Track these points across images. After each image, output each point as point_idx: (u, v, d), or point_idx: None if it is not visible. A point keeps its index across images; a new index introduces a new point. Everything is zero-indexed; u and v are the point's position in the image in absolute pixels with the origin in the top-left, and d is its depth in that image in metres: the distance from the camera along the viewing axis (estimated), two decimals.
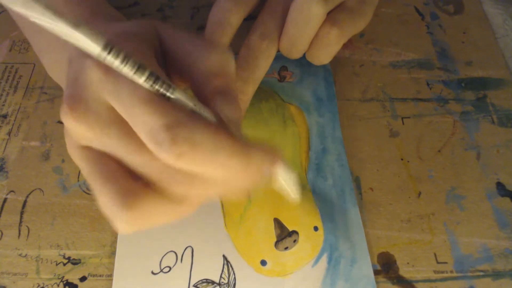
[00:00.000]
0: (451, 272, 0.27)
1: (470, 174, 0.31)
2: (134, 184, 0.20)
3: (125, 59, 0.17)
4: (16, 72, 0.36)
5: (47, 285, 0.27)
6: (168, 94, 0.19)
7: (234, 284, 0.27)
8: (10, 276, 0.27)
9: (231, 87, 0.21)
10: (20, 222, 0.29)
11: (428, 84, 0.35)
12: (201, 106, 0.19)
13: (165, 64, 0.23)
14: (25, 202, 0.30)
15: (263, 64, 0.28)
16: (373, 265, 0.27)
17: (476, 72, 0.36)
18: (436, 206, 0.29)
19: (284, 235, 0.28)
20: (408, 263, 0.27)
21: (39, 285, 0.27)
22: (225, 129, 0.19)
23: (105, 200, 0.20)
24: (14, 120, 0.34)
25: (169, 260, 0.27)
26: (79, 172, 0.31)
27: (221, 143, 0.18)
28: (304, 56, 0.30)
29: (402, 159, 0.31)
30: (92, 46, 0.16)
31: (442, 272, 0.27)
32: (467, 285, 0.27)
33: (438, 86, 0.35)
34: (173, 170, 0.19)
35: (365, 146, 0.32)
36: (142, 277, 0.27)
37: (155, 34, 0.23)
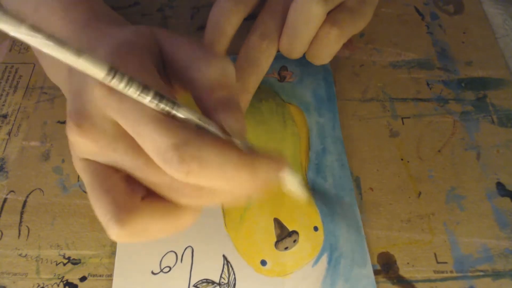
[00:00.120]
0: (451, 272, 0.27)
1: (470, 174, 0.31)
2: (131, 199, 0.20)
3: (129, 82, 0.17)
4: (16, 72, 0.36)
5: (47, 285, 0.27)
6: (173, 111, 0.19)
7: (234, 284, 0.27)
8: (10, 276, 0.27)
9: (233, 97, 0.21)
10: (20, 222, 0.29)
11: (428, 84, 0.35)
12: (206, 120, 0.20)
13: (165, 71, 0.23)
14: (25, 202, 0.30)
15: (263, 64, 0.29)
16: (373, 265, 0.27)
17: (476, 72, 0.36)
18: (436, 206, 0.29)
19: (284, 235, 0.28)
20: (408, 263, 0.27)
21: (39, 285, 0.27)
22: (231, 142, 0.19)
23: (100, 212, 0.20)
24: (14, 120, 0.34)
25: (169, 260, 0.27)
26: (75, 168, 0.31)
27: (228, 158, 0.18)
28: (304, 56, 0.30)
29: (402, 159, 0.31)
30: (96, 72, 0.17)
31: (442, 272, 0.27)
32: (467, 285, 0.27)
33: (438, 86, 0.35)
34: (181, 183, 0.19)
35: (365, 146, 0.32)
36: (142, 277, 0.27)
37: (155, 42, 0.23)
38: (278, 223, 0.29)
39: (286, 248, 0.28)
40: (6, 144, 0.32)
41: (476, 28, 0.38)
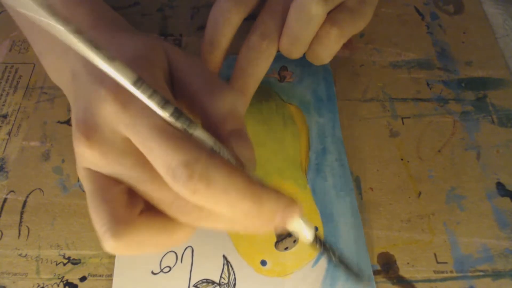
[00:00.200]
0: (451, 272, 0.27)
1: (470, 174, 0.31)
2: (129, 212, 0.20)
3: (153, 95, 0.18)
4: (16, 72, 0.36)
5: (47, 285, 0.27)
6: (190, 131, 0.19)
7: (234, 284, 0.27)
8: (10, 276, 0.27)
9: (243, 128, 0.21)
10: (20, 222, 0.29)
11: (428, 84, 0.35)
12: (220, 145, 0.20)
13: (172, 89, 0.23)
14: (25, 202, 0.30)
15: (263, 64, 0.29)
16: (373, 265, 0.27)
17: (476, 72, 0.36)
18: (436, 206, 0.29)
19: (284, 235, 0.28)
20: (408, 263, 0.27)
21: (39, 285, 0.27)
22: (242, 170, 0.19)
23: (97, 223, 0.20)
24: (14, 120, 0.34)
25: (169, 260, 0.27)
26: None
27: (235, 183, 0.18)
28: (304, 56, 0.30)
29: (402, 159, 0.31)
30: (123, 80, 0.17)
31: (442, 272, 0.27)
32: (467, 285, 0.27)
33: (438, 86, 0.35)
34: (184, 201, 0.19)
35: (365, 146, 0.32)
36: (142, 277, 0.27)
37: (165, 58, 0.23)
38: None
39: (286, 248, 0.28)
40: (6, 144, 0.32)
41: (476, 28, 0.38)
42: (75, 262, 0.28)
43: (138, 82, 0.18)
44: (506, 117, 0.33)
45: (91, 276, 0.27)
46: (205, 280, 0.27)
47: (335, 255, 0.23)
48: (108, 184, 0.21)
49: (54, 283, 0.27)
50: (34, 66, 0.37)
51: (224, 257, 0.27)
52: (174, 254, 0.28)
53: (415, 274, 0.27)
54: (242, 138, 0.21)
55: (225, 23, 0.28)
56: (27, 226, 0.29)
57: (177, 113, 0.19)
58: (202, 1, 0.40)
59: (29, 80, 0.36)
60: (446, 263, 0.27)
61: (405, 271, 0.27)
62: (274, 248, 0.28)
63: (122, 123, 0.19)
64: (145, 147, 0.19)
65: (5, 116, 0.34)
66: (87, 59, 0.19)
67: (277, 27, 0.28)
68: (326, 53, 0.29)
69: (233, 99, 0.22)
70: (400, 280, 0.27)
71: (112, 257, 0.28)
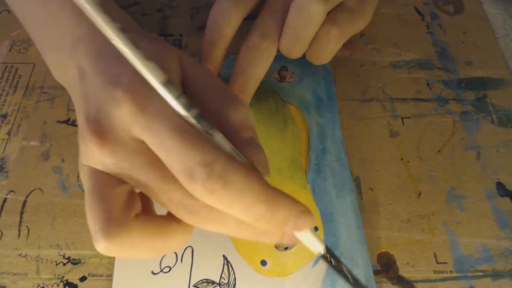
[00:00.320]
0: (451, 272, 0.27)
1: (470, 174, 0.31)
2: (125, 214, 0.20)
3: (180, 96, 0.19)
4: (16, 72, 0.36)
5: (47, 285, 0.27)
6: (210, 133, 0.20)
7: (234, 284, 0.27)
8: (10, 276, 0.27)
9: (256, 138, 0.22)
10: (20, 222, 0.29)
11: (428, 84, 0.35)
12: (237, 151, 0.20)
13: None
14: (25, 202, 0.30)
15: (263, 64, 0.28)
16: (373, 265, 0.27)
17: (476, 72, 0.36)
18: (436, 206, 0.29)
19: None
20: (408, 263, 0.27)
21: (39, 285, 0.27)
22: (258, 174, 0.20)
23: (91, 221, 0.20)
24: (14, 120, 0.34)
25: (169, 260, 0.27)
26: (79, 172, 0.31)
27: (252, 186, 0.19)
28: (304, 56, 0.30)
29: (402, 159, 0.31)
30: (155, 81, 0.18)
31: (442, 272, 0.27)
32: (467, 285, 0.27)
33: (438, 86, 0.35)
34: (193, 201, 0.20)
35: (365, 146, 0.32)
36: (142, 277, 0.27)
37: (179, 66, 0.23)
38: None
39: (286, 248, 0.28)
40: (6, 144, 0.32)
41: (476, 28, 0.38)
42: (75, 262, 0.28)
43: (168, 83, 0.18)
44: (506, 117, 0.33)
45: (91, 276, 0.27)
46: (205, 280, 0.27)
47: (349, 272, 0.23)
48: (110, 183, 0.21)
49: (54, 283, 0.27)
50: (34, 66, 0.36)
51: (224, 257, 0.27)
52: (174, 254, 0.27)
53: (415, 274, 0.27)
54: (256, 146, 0.21)
55: (225, 23, 0.28)
56: (27, 226, 0.29)
57: (200, 116, 0.19)
58: (202, 1, 0.40)
59: (29, 80, 0.36)
60: (446, 263, 0.27)
61: (405, 271, 0.27)
62: (274, 248, 0.28)
63: (138, 125, 0.19)
64: (162, 148, 0.19)
65: (5, 116, 0.34)
66: (95, 57, 0.19)
67: (277, 27, 0.28)
68: (326, 53, 0.29)
69: (245, 112, 0.22)
70: (400, 280, 0.27)
71: (112, 257, 0.28)
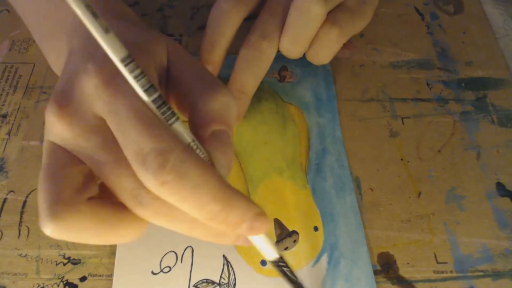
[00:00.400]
0: (451, 272, 0.27)
1: (470, 174, 0.31)
2: (76, 196, 0.19)
3: (139, 76, 0.17)
4: (15, 72, 0.36)
5: (47, 285, 0.27)
6: (170, 121, 0.18)
7: (234, 284, 0.27)
8: (10, 276, 0.27)
9: (228, 134, 0.21)
10: (20, 222, 0.29)
11: (428, 84, 0.35)
12: (198, 144, 0.19)
13: (166, 85, 0.23)
14: (25, 202, 0.30)
15: (263, 64, 0.28)
16: (373, 265, 0.27)
17: (476, 72, 0.36)
18: (436, 206, 0.29)
19: (284, 235, 0.28)
20: (408, 263, 0.27)
21: (39, 285, 0.27)
22: (216, 171, 0.19)
23: (39, 199, 0.19)
24: (14, 120, 0.34)
25: (169, 260, 0.27)
26: None
27: (208, 182, 0.18)
28: (304, 56, 0.30)
29: (402, 159, 0.31)
30: (115, 53, 0.17)
31: (442, 272, 0.27)
32: (467, 285, 0.27)
33: (438, 86, 0.35)
34: (144, 192, 0.18)
35: (365, 146, 0.32)
36: (142, 277, 0.27)
37: (165, 53, 0.22)
38: (278, 223, 0.29)
39: (286, 248, 0.28)
40: (6, 144, 0.32)
41: (476, 28, 0.38)
42: (75, 262, 0.28)
43: (128, 59, 0.17)
44: (506, 117, 0.33)
45: (91, 276, 0.27)
46: (205, 280, 0.27)
47: (300, 285, 0.22)
48: (66, 161, 0.20)
49: (54, 283, 0.27)
50: (34, 66, 0.36)
51: (224, 257, 0.27)
52: (174, 254, 0.28)
53: (415, 274, 0.27)
54: (223, 142, 0.20)
55: (225, 24, 0.28)
56: (27, 226, 0.29)
57: (160, 101, 0.18)
58: (202, 1, 0.40)
59: (29, 79, 0.36)
60: (446, 263, 0.27)
61: (405, 271, 0.27)
62: None
63: (100, 100, 0.19)
64: (119, 128, 0.18)
65: (4, 116, 0.34)
66: (86, 37, 0.18)
67: (277, 27, 0.28)
68: (326, 53, 0.29)
69: (226, 100, 0.21)
70: (400, 280, 0.27)
71: (112, 257, 0.28)
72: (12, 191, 0.30)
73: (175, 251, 0.28)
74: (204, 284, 0.27)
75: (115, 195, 0.20)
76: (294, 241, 0.28)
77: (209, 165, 0.19)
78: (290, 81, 0.35)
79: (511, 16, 0.39)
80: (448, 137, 0.32)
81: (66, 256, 0.28)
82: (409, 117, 0.33)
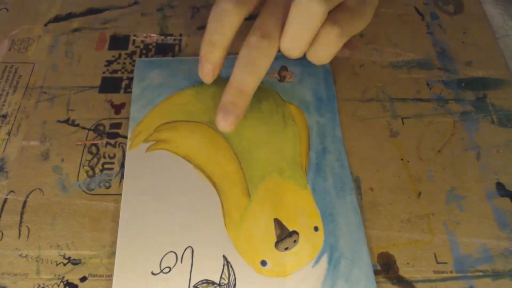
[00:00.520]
0: (451, 272, 0.27)
1: (470, 174, 0.31)
2: None
3: None
4: (15, 72, 0.36)
5: (47, 286, 0.27)
6: None
7: (234, 285, 0.27)
8: (11, 276, 0.27)
9: None
10: (20, 222, 0.29)
11: (428, 84, 0.35)
12: None
13: None
14: (25, 202, 0.30)
15: (263, 64, 0.28)
16: (373, 265, 0.27)
17: (476, 72, 0.36)
18: (436, 206, 0.29)
19: (284, 236, 0.28)
20: (408, 263, 0.28)
21: (39, 285, 0.27)
22: None
23: None
24: (14, 120, 0.34)
25: (169, 260, 0.27)
26: (79, 171, 0.31)
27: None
28: (304, 56, 0.30)
29: (402, 159, 0.31)
30: None
31: (442, 272, 0.27)
32: (467, 285, 0.27)
33: (438, 86, 0.35)
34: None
35: (365, 146, 0.32)
36: (142, 278, 0.27)
37: None
38: (278, 223, 0.29)
39: (286, 249, 0.28)
40: (6, 144, 0.32)
41: (476, 28, 0.38)
42: (75, 262, 0.28)
43: None
44: (506, 117, 0.33)
45: (91, 276, 0.27)
46: (205, 281, 0.27)
47: None
48: None
49: (55, 284, 0.27)
50: (33, 66, 0.36)
51: (224, 258, 0.27)
52: (174, 255, 0.28)
53: (415, 274, 0.27)
54: None
55: (225, 24, 0.28)
56: (27, 227, 0.29)
57: None
58: (202, 1, 0.40)
59: (29, 79, 0.36)
60: (446, 263, 0.27)
61: (405, 271, 0.27)
62: (274, 248, 0.28)
63: None
64: None
65: (4, 116, 0.34)
66: None
67: (278, 27, 0.28)
68: (326, 52, 0.29)
69: None
70: (400, 280, 0.27)
71: (112, 257, 0.28)
72: (12, 191, 0.30)
73: (175, 251, 0.28)
74: (204, 284, 0.27)
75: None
76: (294, 241, 0.28)
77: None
78: (290, 81, 0.35)
79: (511, 16, 0.39)
80: (448, 137, 0.32)
81: (66, 257, 0.28)
82: (409, 117, 0.33)
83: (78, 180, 0.31)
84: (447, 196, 0.30)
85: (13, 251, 0.28)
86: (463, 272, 0.27)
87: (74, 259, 0.28)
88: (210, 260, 0.27)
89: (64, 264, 0.28)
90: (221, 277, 0.27)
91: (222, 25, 0.28)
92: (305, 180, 0.30)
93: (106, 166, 0.31)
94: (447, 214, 0.29)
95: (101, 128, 0.33)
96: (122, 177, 0.31)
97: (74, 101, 0.34)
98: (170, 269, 0.27)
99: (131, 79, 0.36)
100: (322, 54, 0.29)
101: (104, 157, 0.32)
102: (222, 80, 0.35)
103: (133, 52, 0.37)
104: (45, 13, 0.40)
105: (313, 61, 0.30)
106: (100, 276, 0.27)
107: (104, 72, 0.36)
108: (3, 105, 0.34)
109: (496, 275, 0.27)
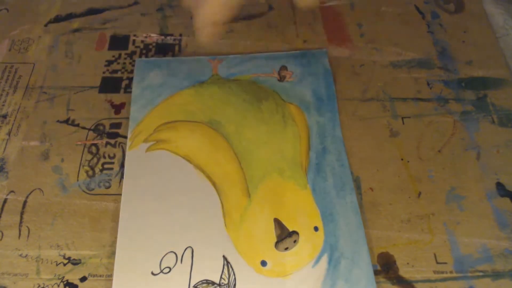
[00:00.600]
0: (451, 272, 0.27)
1: (470, 174, 0.31)
2: None
3: None
4: (15, 72, 0.36)
5: (47, 286, 0.27)
6: None
7: (234, 285, 0.27)
8: (11, 276, 0.27)
9: None
10: (20, 222, 0.29)
11: (428, 84, 0.35)
12: None
13: None
14: (25, 202, 0.30)
15: None
16: (373, 265, 0.27)
17: (476, 71, 0.35)
18: (436, 206, 0.29)
19: (284, 236, 0.28)
20: (408, 263, 0.28)
21: (39, 286, 0.27)
22: None
23: None
24: (14, 120, 0.34)
25: (169, 260, 0.27)
26: (79, 171, 0.31)
27: None
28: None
29: (402, 159, 0.31)
30: None
31: (442, 272, 0.27)
32: (467, 285, 0.27)
33: (438, 85, 0.35)
34: None
35: (365, 146, 0.32)
36: (142, 278, 0.27)
37: None
38: (278, 223, 0.29)
39: (286, 249, 0.28)
40: (6, 144, 0.32)
41: (477, 27, 0.38)
42: (75, 262, 0.28)
43: None
44: (506, 117, 0.33)
45: (91, 276, 0.27)
46: (205, 281, 0.27)
47: None
48: None
49: (55, 284, 0.27)
50: (33, 66, 0.36)
51: (224, 258, 0.27)
52: (174, 255, 0.28)
53: (415, 274, 0.27)
54: None
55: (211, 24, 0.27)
56: (27, 227, 0.29)
57: None
58: None
59: (29, 80, 0.36)
60: (446, 263, 0.27)
61: (405, 271, 0.27)
62: (274, 249, 0.28)
63: None
64: None
65: (4, 116, 0.34)
66: None
67: None
68: None
69: None
70: (400, 280, 0.27)
71: (112, 257, 0.28)
72: (12, 191, 0.30)
73: (175, 251, 0.28)
74: (204, 284, 0.27)
75: None
76: (294, 241, 0.28)
77: None
78: (290, 80, 0.35)
79: (511, 16, 0.38)
80: (448, 137, 0.32)
81: (66, 256, 0.28)
82: (409, 117, 0.33)
83: (78, 180, 0.31)
84: (447, 196, 0.30)
85: (13, 251, 0.28)
86: (463, 272, 0.27)
87: (74, 259, 0.28)
88: (210, 260, 0.27)
89: (64, 264, 0.28)
90: (221, 277, 0.27)
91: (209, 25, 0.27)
92: (305, 180, 0.30)
93: (106, 166, 0.31)
94: (447, 214, 0.29)
95: (101, 128, 0.33)
96: (122, 177, 0.31)
97: (74, 101, 0.34)
98: (170, 269, 0.27)
99: (131, 79, 0.36)
100: None
101: (104, 157, 0.32)
102: (222, 80, 0.35)
103: (133, 52, 0.37)
104: (45, 13, 0.40)
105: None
106: (100, 276, 0.27)
107: (104, 72, 0.36)
108: (3, 105, 0.34)
109: (496, 275, 0.27)
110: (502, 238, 0.28)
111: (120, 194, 0.30)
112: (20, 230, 0.29)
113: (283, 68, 0.35)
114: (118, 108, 0.34)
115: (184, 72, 0.35)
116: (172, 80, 0.35)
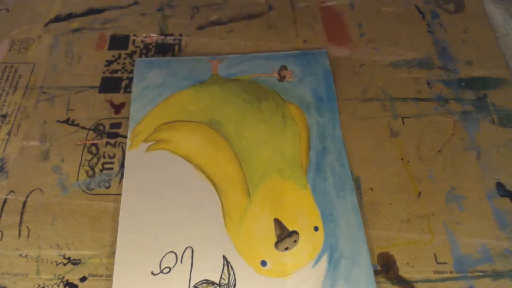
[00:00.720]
0: (451, 272, 0.27)
1: (470, 174, 0.31)
2: None
3: None
4: (15, 72, 0.36)
5: (47, 286, 0.27)
6: None
7: (234, 285, 0.27)
8: (11, 276, 0.27)
9: None
10: (20, 222, 0.29)
11: (428, 84, 0.35)
12: None
13: None
14: (25, 202, 0.30)
15: None
16: (373, 265, 0.27)
17: (476, 71, 0.35)
18: (436, 206, 0.29)
19: (284, 236, 0.28)
20: (408, 263, 0.27)
21: (39, 285, 0.27)
22: None
23: None
24: (14, 120, 0.34)
25: (169, 260, 0.27)
26: (79, 171, 0.31)
27: None
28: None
29: (402, 159, 0.31)
30: None
31: (442, 272, 0.27)
32: (467, 285, 0.27)
33: (438, 85, 0.35)
34: None
35: (365, 146, 0.32)
36: (142, 278, 0.27)
37: None
38: (278, 223, 0.29)
39: (286, 249, 0.28)
40: (6, 144, 0.32)
41: (477, 27, 0.38)
42: (75, 262, 0.28)
43: None
44: (506, 117, 0.33)
45: (91, 276, 0.27)
46: (205, 281, 0.27)
47: None
48: None
49: (55, 284, 0.27)
50: (33, 66, 0.36)
51: (224, 258, 0.27)
52: (174, 255, 0.28)
53: (415, 274, 0.27)
54: None
55: None
56: (27, 227, 0.29)
57: None
58: (202, 1, 0.40)
59: (29, 80, 0.36)
60: (445, 263, 0.27)
61: (404, 271, 0.27)
62: (274, 249, 0.28)
63: None
64: None
65: (4, 116, 0.34)
66: None
67: None
68: None
69: None
70: (400, 280, 0.27)
71: (112, 257, 0.28)
72: (12, 191, 0.30)
73: (175, 251, 0.28)
74: (204, 284, 0.27)
75: None
76: (294, 241, 0.28)
77: None
78: (290, 80, 0.35)
79: (511, 16, 0.38)
80: (448, 137, 0.32)
81: (66, 257, 0.28)
82: (409, 117, 0.33)
83: (78, 180, 0.31)
84: (447, 196, 0.30)
85: (13, 251, 0.28)
86: (463, 272, 0.27)
87: (74, 259, 0.28)
88: (210, 260, 0.27)
89: (64, 264, 0.28)
90: (221, 277, 0.27)
91: None
92: (305, 180, 0.30)
93: (106, 166, 0.31)
94: (447, 214, 0.29)
95: (101, 128, 0.33)
96: (122, 177, 0.31)
97: (74, 101, 0.34)
98: (170, 269, 0.27)
99: (131, 79, 0.36)
100: None
101: (104, 157, 0.32)
102: (222, 80, 0.35)
103: (133, 52, 0.37)
104: (45, 13, 0.40)
105: None
106: (100, 276, 0.27)
107: (104, 72, 0.36)
108: (3, 105, 0.34)
109: (496, 275, 0.27)
110: (502, 238, 0.28)
111: (120, 194, 0.30)
112: (20, 230, 0.29)
113: (283, 68, 0.35)
114: (118, 108, 0.34)
115: (184, 72, 0.35)
116: (172, 80, 0.35)
